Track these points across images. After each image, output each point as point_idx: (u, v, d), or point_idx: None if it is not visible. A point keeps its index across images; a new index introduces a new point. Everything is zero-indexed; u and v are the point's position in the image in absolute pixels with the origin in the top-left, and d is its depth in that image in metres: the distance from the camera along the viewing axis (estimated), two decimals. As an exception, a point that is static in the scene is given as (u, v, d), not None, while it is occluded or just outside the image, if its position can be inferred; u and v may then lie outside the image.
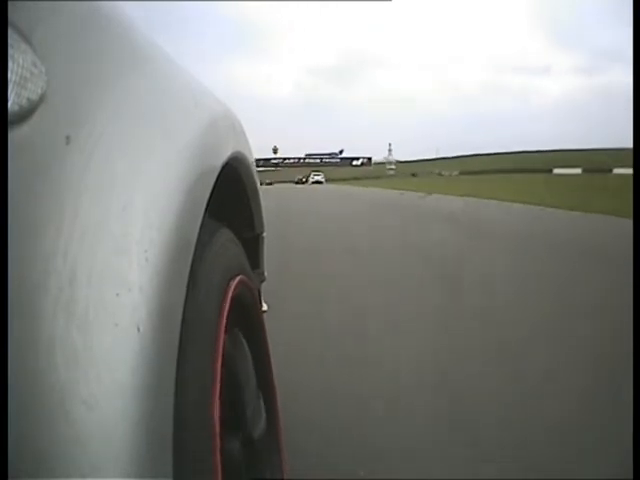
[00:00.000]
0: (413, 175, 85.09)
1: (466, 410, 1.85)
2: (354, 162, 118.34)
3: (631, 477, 0.95)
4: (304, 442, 1.48)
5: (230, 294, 0.66)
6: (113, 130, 0.44)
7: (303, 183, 59.07)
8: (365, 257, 5.23)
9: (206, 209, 0.57)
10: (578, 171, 63.15)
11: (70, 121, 0.40)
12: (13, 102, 0.35)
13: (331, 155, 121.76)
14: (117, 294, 0.38)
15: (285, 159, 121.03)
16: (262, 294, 1.16)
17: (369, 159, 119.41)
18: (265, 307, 1.20)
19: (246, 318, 0.87)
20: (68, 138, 0.39)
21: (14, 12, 0.36)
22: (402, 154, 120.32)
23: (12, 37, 0.36)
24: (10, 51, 0.35)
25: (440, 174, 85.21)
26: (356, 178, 79.93)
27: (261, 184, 1.06)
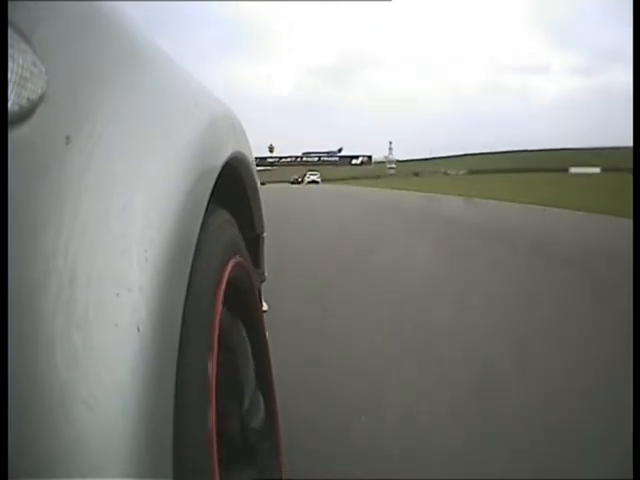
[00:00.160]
0: (415, 174, 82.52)
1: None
2: (353, 161, 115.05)
3: (631, 477, 0.95)
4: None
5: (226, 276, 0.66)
6: (113, 130, 0.44)
7: (299, 183, 58.18)
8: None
9: (206, 209, 0.57)
10: (597, 170, 60.68)
11: (70, 121, 0.40)
12: (13, 102, 0.35)
13: (329, 153, 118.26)
14: (117, 294, 0.38)
15: (281, 158, 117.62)
16: (262, 294, 1.16)
17: (369, 157, 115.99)
18: (265, 307, 1.20)
19: (246, 317, 0.87)
20: (68, 138, 0.39)
21: (14, 12, 0.36)
22: (401, 153, 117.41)
23: (12, 37, 0.36)
24: (10, 51, 0.35)
25: (446, 173, 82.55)
26: (355, 177, 77.90)
27: None
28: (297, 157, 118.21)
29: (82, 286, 0.36)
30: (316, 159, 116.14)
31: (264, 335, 1.02)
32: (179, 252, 0.48)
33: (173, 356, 0.44)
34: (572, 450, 1.58)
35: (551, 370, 2.22)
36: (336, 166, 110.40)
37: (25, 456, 0.32)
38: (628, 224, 5.01)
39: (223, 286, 0.64)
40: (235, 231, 0.82)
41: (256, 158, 1.11)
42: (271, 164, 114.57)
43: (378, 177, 78.86)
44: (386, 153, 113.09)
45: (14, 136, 0.35)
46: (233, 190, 0.93)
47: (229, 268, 0.68)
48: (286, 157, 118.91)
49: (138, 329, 0.39)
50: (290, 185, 49.29)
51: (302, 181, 60.04)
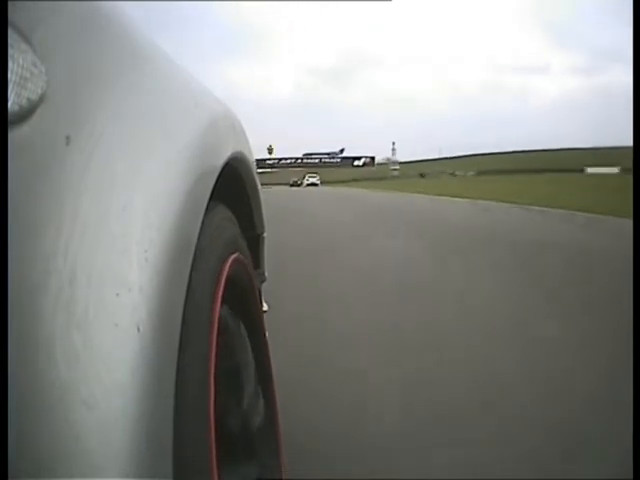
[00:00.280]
0: (421, 176, 79.13)
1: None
2: (356, 162, 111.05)
3: (631, 477, 0.95)
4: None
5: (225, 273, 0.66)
6: (113, 130, 0.44)
7: (298, 186, 56.79)
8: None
9: (206, 209, 0.57)
10: (615, 170, 57.02)
11: (70, 121, 0.40)
12: (13, 102, 0.35)
13: (331, 155, 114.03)
14: (117, 294, 0.38)
15: (281, 159, 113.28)
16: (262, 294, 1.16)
17: (372, 159, 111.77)
18: (265, 307, 1.20)
19: (246, 316, 0.87)
20: (68, 138, 0.39)
21: (14, 12, 0.36)
22: (403, 154, 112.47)
23: (12, 37, 0.36)
24: (10, 51, 0.35)
25: (453, 174, 78.62)
26: (357, 179, 75.50)
27: None
28: (297, 159, 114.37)
29: (82, 286, 0.36)
30: (317, 160, 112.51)
31: (264, 335, 1.02)
32: (179, 252, 0.48)
33: (173, 356, 0.44)
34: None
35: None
36: (338, 168, 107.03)
37: (25, 456, 0.32)
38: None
39: (222, 283, 0.64)
40: (235, 229, 0.82)
41: (255, 160, 1.10)
42: (270, 166, 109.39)
43: (382, 179, 76.38)
44: (388, 154, 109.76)
45: (14, 136, 0.35)
46: (233, 190, 0.93)
47: (228, 265, 0.68)
48: (286, 159, 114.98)
49: (138, 329, 0.39)
50: (287, 188, 43.69)
51: (301, 184, 59.07)
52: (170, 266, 0.45)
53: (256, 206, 1.06)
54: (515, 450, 1.58)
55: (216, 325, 0.58)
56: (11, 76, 0.35)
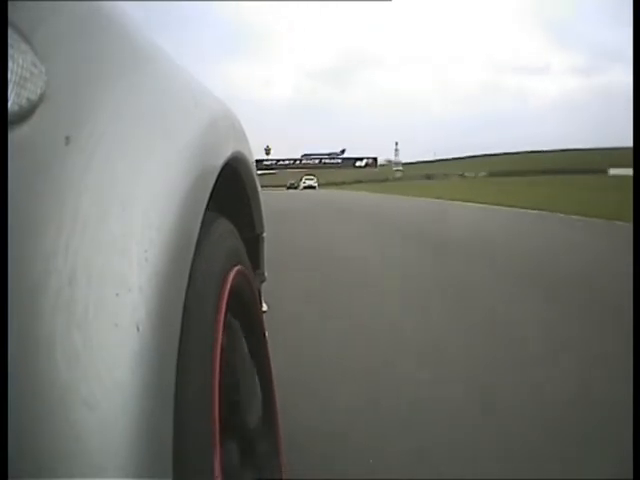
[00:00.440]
0: (428, 177, 74.07)
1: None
2: (357, 163, 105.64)
3: (631, 477, 0.95)
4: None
5: (229, 285, 0.66)
6: (113, 130, 0.44)
7: (295, 188, 55.56)
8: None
9: (206, 209, 0.57)
10: None
11: (70, 121, 0.40)
12: (13, 102, 0.35)
13: (331, 155, 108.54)
14: (117, 294, 0.38)
15: (279, 161, 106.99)
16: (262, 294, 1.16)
17: (374, 159, 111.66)
18: (265, 307, 1.20)
19: (245, 315, 0.87)
20: (68, 138, 0.39)
21: (14, 12, 0.36)
22: (404, 155, 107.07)
23: (12, 37, 0.36)
24: (10, 51, 0.35)
25: (462, 175, 74.08)
26: (358, 181, 72.70)
27: None
28: (296, 160, 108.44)
29: (82, 286, 0.36)
30: (317, 161, 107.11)
31: (264, 335, 1.02)
32: (179, 252, 0.48)
33: (173, 356, 0.44)
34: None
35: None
36: (339, 169, 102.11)
37: (25, 456, 0.32)
38: None
39: (226, 288, 0.64)
40: (234, 229, 0.82)
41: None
42: (268, 167, 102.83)
43: (385, 181, 73.58)
44: (388, 156, 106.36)
45: (14, 136, 0.35)
46: (233, 190, 0.93)
47: (229, 266, 0.68)
48: (284, 160, 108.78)
49: (138, 329, 0.39)
50: (284, 192, 38.12)
51: (298, 186, 57.37)
52: (170, 266, 0.45)
53: (256, 206, 1.06)
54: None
55: (216, 325, 0.58)
56: (11, 76, 0.35)
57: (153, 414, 0.39)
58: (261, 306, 1.11)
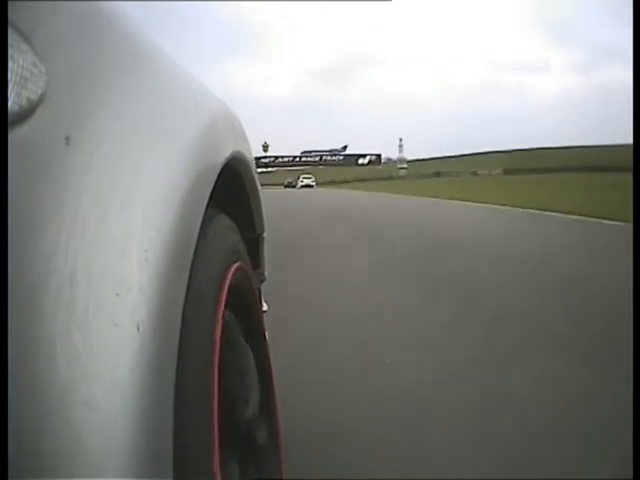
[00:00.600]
0: (437, 175, 68.26)
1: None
2: (360, 160, 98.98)
3: (631, 477, 0.95)
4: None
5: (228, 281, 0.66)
6: (113, 130, 0.44)
7: (293, 187, 54.10)
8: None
9: (206, 209, 0.57)
10: None
11: (70, 121, 0.40)
12: (13, 102, 0.35)
13: (332, 152, 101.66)
14: (117, 294, 0.38)
15: (277, 157, 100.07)
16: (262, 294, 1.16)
17: (378, 156, 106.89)
18: (265, 307, 1.20)
19: (246, 316, 0.87)
20: (68, 138, 0.39)
21: (14, 12, 0.36)
22: (405, 153, 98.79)
23: (12, 37, 0.36)
24: (10, 51, 0.35)
25: (474, 173, 67.15)
26: (362, 179, 68.88)
27: None
28: (295, 157, 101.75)
29: (82, 286, 0.37)
30: (317, 158, 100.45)
31: (264, 335, 1.02)
32: (179, 252, 0.48)
33: (173, 356, 0.44)
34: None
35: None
36: (341, 166, 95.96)
37: (26, 456, 0.32)
38: None
39: (225, 285, 0.64)
40: (235, 229, 0.82)
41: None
42: (266, 165, 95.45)
43: (390, 178, 69.82)
44: (390, 154, 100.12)
45: (14, 136, 0.35)
46: (233, 190, 0.93)
47: (229, 264, 0.68)
48: (283, 157, 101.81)
49: (138, 329, 0.39)
50: (279, 191, 35.67)
51: (296, 185, 55.74)
52: (170, 266, 0.45)
53: (256, 206, 1.06)
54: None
55: (216, 325, 0.58)
56: (11, 76, 0.35)
57: (153, 414, 0.39)
58: (261, 306, 1.11)
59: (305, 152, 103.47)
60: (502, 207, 12.41)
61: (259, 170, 1.12)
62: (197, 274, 0.54)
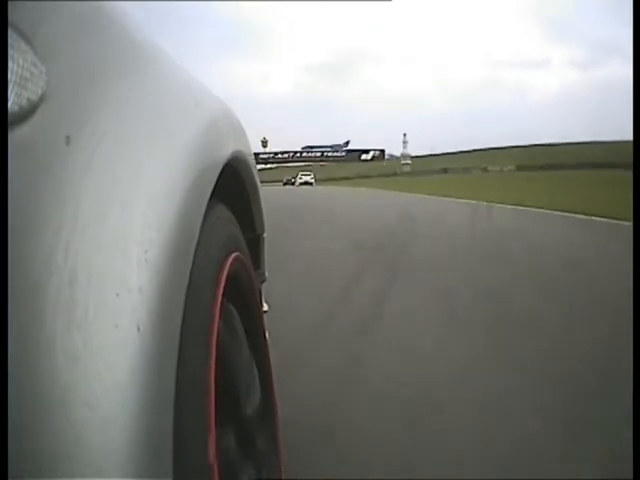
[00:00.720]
0: (444, 171, 65.02)
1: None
2: (363, 156, 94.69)
3: (631, 477, 0.95)
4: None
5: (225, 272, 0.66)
6: (114, 130, 0.44)
7: (292, 184, 52.49)
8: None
9: (206, 209, 0.57)
10: None
11: (70, 121, 0.40)
12: (13, 102, 0.35)
13: (334, 148, 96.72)
14: (117, 294, 0.38)
15: (277, 154, 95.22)
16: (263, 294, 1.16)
17: (382, 152, 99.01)
18: (266, 307, 1.20)
19: (247, 317, 0.87)
20: (68, 138, 0.39)
21: (14, 12, 0.36)
22: (407, 150, 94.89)
23: (12, 37, 0.36)
24: (10, 51, 0.35)
25: (485, 169, 63.19)
26: (365, 176, 66.42)
27: None
28: (296, 152, 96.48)
29: (82, 286, 0.37)
30: (319, 154, 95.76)
31: (264, 335, 1.02)
32: (179, 252, 0.48)
33: (173, 356, 0.44)
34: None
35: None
36: (343, 162, 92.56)
37: (26, 456, 0.32)
38: None
39: (222, 283, 0.64)
40: (235, 229, 0.82)
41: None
42: (265, 161, 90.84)
43: (394, 175, 67.58)
44: (391, 150, 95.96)
45: (14, 136, 0.35)
46: (233, 190, 0.93)
47: (228, 265, 0.68)
48: (283, 153, 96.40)
49: (138, 329, 0.39)
50: (277, 189, 31.61)
51: (295, 182, 53.71)
52: (170, 266, 0.45)
53: (256, 206, 1.06)
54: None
55: (216, 326, 0.58)
56: (11, 76, 0.35)
57: (153, 414, 0.39)
58: (261, 306, 1.11)
59: (306, 147, 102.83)
60: (531, 209, 10.59)
61: (258, 167, 1.11)
62: (197, 273, 0.54)
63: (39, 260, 0.35)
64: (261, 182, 1.08)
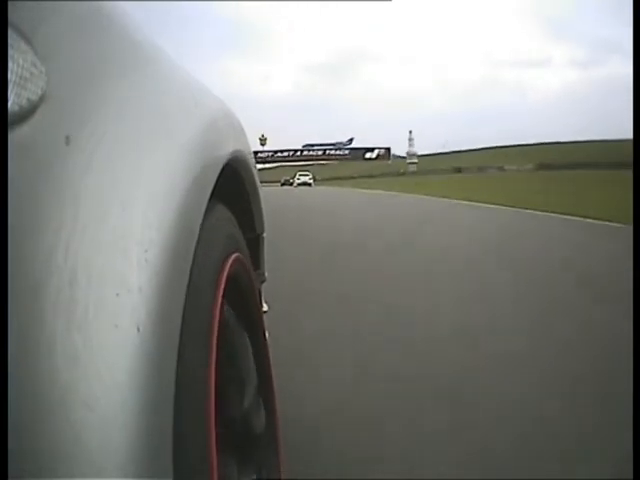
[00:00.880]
0: (457, 170, 59.72)
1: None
2: (368, 154, 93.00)
3: (631, 477, 0.95)
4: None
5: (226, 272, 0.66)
6: (114, 130, 0.44)
7: (290, 185, 50.50)
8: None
9: (206, 209, 0.57)
10: None
11: (70, 121, 0.40)
12: (13, 102, 0.35)
13: (337, 145, 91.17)
14: (117, 294, 0.38)
15: (276, 152, 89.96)
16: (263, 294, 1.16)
17: (387, 150, 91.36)
18: (265, 307, 1.20)
19: (246, 316, 0.87)
20: (68, 138, 0.39)
21: (14, 12, 0.36)
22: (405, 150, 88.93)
23: (12, 37, 0.36)
24: (10, 51, 0.35)
25: (501, 169, 57.71)
26: (369, 176, 62.64)
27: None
28: (296, 151, 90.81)
29: (82, 286, 0.37)
30: (321, 153, 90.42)
31: (264, 335, 1.02)
32: (179, 252, 0.48)
33: (173, 356, 0.44)
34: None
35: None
36: (347, 161, 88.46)
37: (26, 456, 0.32)
38: None
39: (223, 284, 0.64)
40: (235, 229, 0.82)
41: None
42: (263, 160, 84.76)
43: (402, 174, 63.94)
44: (396, 150, 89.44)
45: (14, 136, 0.35)
46: (233, 189, 0.93)
47: (228, 265, 0.68)
48: (282, 151, 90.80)
49: (138, 329, 0.39)
50: (275, 189, 30.26)
51: (293, 183, 51.29)
52: (170, 266, 0.45)
53: (256, 206, 1.06)
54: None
55: (216, 326, 0.58)
56: (11, 76, 0.35)
57: (153, 414, 0.39)
58: (261, 306, 1.11)
59: (307, 146, 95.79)
60: (577, 218, 8.66)
61: (257, 166, 1.10)
62: (197, 274, 0.54)
63: (39, 260, 0.35)
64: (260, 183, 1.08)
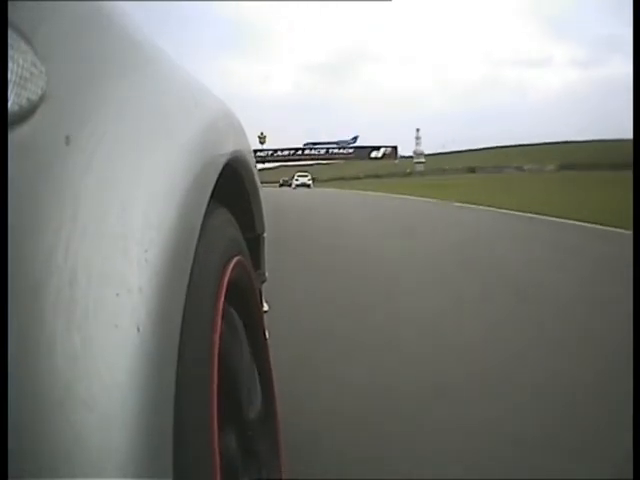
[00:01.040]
0: (471, 171, 56.62)
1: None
2: (373, 153, 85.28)
3: (631, 477, 0.95)
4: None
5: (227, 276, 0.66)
6: (114, 130, 0.44)
7: (288, 186, 48.55)
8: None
9: (207, 208, 0.57)
10: None
11: (70, 121, 0.40)
12: (13, 102, 0.35)
13: (340, 144, 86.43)
14: (117, 294, 0.38)
15: (276, 151, 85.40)
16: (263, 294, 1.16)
17: (394, 149, 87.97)
18: (266, 307, 1.20)
19: (247, 316, 0.87)
20: (68, 138, 0.39)
21: (14, 12, 0.36)
22: (407, 150, 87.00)
23: (12, 37, 0.36)
24: (10, 51, 0.35)
25: (520, 169, 54.78)
26: (376, 175, 60.33)
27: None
28: (297, 150, 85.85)
29: (82, 286, 0.37)
30: (323, 151, 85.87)
31: (264, 335, 1.02)
32: (179, 252, 0.48)
33: (173, 356, 0.44)
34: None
35: None
36: (351, 160, 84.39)
37: (26, 456, 0.32)
38: None
39: (223, 284, 0.64)
40: (236, 230, 0.82)
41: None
42: (262, 159, 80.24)
43: (407, 175, 61.88)
44: (402, 150, 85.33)
45: (14, 136, 0.35)
46: (233, 189, 0.93)
47: (229, 266, 0.68)
48: (283, 150, 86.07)
49: (138, 329, 0.39)
50: (273, 190, 28.67)
51: (291, 184, 49.12)
52: (170, 266, 0.45)
53: (256, 206, 1.06)
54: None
55: (216, 325, 0.58)
56: (11, 76, 0.35)
57: (153, 414, 0.39)
58: (262, 306, 1.11)
59: (308, 144, 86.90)
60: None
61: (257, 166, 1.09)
62: (198, 274, 0.54)
63: (39, 260, 0.35)
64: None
